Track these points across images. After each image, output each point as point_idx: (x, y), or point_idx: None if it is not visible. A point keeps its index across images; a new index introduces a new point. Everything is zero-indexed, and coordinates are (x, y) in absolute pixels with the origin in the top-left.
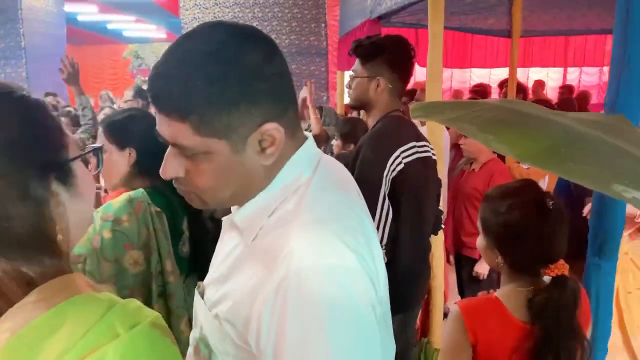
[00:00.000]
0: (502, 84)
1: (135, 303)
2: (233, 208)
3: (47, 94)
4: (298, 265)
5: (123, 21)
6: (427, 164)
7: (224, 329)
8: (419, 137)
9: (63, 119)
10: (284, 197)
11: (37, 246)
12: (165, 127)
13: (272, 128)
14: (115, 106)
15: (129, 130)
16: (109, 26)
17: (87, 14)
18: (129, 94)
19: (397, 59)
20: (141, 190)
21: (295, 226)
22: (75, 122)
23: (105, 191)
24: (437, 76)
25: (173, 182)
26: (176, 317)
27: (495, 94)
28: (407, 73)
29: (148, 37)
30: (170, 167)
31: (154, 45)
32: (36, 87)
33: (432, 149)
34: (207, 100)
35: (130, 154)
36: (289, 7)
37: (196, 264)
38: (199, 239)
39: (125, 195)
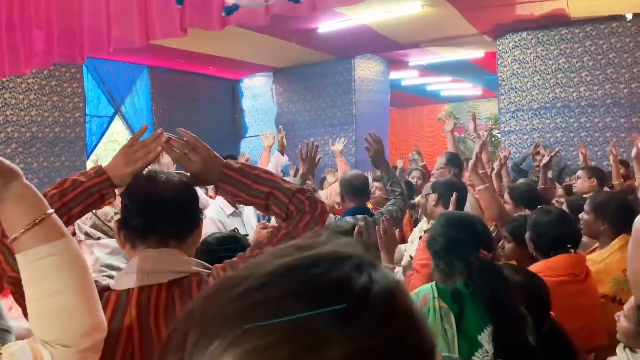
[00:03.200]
0: None
1: None
2: None
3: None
4: None
5: (441, 82)
6: None
7: None
8: None
9: (376, 184)
10: None
11: None
12: None
13: None
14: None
15: None
16: (428, 88)
17: (410, 79)
18: (441, 161)
19: None
20: (431, 284)
21: None
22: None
23: None
24: None
25: None
26: None
27: None
28: None
29: (464, 96)
30: None
31: (470, 104)
32: (363, 149)
33: None
34: None
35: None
36: (630, 51)
37: None
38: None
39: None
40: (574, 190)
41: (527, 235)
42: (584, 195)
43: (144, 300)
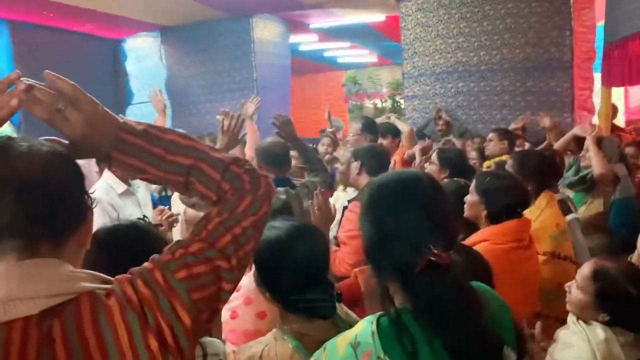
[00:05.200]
0: None
1: None
2: None
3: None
4: None
5: (338, 48)
6: None
7: None
8: None
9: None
10: None
11: None
12: None
13: None
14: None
15: None
16: (326, 54)
17: (308, 43)
18: (356, 127)
19: None
20: (370, 327)
21: None
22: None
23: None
24: None
25: None
26: None
27: None
28: None
29: (360, 62)
30: None
31: (369, 71)
32: (264, 116)
33: None
34: None
35: None
36: (525, 17)
37: None
38: None
39: (349, 335)
40: (487, 153)
41: (475, 199)
42: (497, 158)
43: None
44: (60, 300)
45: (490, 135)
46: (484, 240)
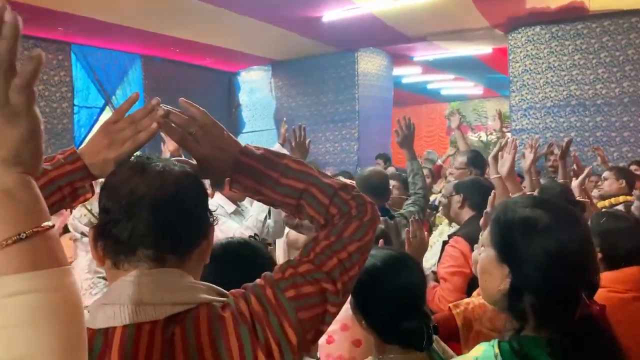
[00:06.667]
0: None
1: None
2: None
3: (378, 156)
4: None
5: (442, 80)
6: None
7: None
8: None
9: (393, 182)
10: None
11: None
12: None
13: None
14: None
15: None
16: (429, 86)
17: (412, 75)
18: (461, 160)
19: None
20: (492, 351)
21: None
22: (406, 186)
23: None
24: None
25: None
26: None
27: None
28: None
29: (464, 95)
30: None
31: (474, 103)
32: (365, 147)
33: None
34: None
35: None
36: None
37: None
38: None
39: (468, 358)
40: (600, 193)
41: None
42: (613, 200)
43: (129, 346)
44: (182, 309)
45: (606, 174)
46: (600, 287)
